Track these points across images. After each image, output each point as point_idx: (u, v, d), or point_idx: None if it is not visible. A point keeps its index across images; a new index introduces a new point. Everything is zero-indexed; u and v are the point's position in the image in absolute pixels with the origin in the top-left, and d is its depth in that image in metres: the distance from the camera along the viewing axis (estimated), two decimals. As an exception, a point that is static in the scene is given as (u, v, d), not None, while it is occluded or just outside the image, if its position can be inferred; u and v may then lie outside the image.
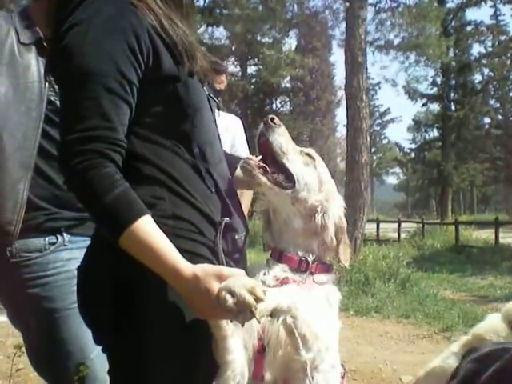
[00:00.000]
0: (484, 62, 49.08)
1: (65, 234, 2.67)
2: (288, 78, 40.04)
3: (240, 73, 40.46)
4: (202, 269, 1.67)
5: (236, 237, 1.93)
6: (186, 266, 1.66)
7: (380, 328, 8.95)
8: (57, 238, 2.66)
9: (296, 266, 2.08)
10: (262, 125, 2.13)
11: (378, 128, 73.16)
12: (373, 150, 69.88)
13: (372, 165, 66.01)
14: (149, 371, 1.76)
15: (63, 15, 1.77)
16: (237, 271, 1.71)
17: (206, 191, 1.88)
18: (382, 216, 43.40)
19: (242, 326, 1.68)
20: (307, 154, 2.21)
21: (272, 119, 2.11)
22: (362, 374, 6.43)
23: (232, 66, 40.57)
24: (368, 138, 14.33)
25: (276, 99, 44.28)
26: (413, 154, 56.27)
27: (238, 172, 2.19)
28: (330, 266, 2.18)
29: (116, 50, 1.71)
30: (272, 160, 2.12)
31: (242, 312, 1.59)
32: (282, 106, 45.17)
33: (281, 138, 2.12)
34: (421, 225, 26.55)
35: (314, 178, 2.17)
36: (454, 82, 48.09)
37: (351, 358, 7.04)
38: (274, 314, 1.70)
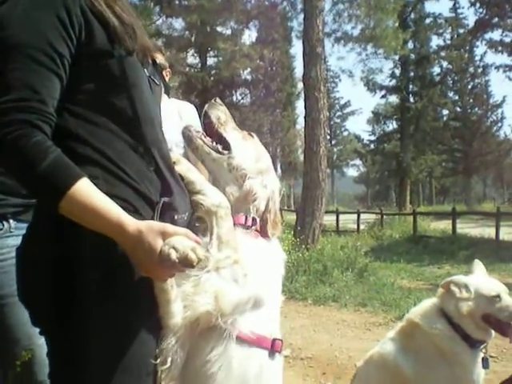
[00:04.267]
0: (442, 54, 49.57)
1: (11, 221, 2.65)
2: (248, 70, 39.97)
3: (199, 64, 40.19)
4: (146, 224, 1.69)
5: (176, 217, 1.90)
6: (130, 222, 1.68)
7: (337, 316, 9.02)
8: (3, 225, 2.63)
9: (243, 223, 2.17)
10: (206, 106, 2.29)
11: (339, 120, 73.57)
12: (333, 142, 70.41)
13: (332, 157, 66.45)
14: (88, 354, 1.74)
15: None
16: (181, 230, 1.74)
17: (143, 170, 1.86)
18: (342, 208, 43.70)
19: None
20: (247, 134, 2.34)
21: (215, 100, 2.31)
22: (318, 361, 6.48)
23: (191, 58, 40.36)
24: (326, 129, 14.39)
25: (236, 91, 44.15)
26: (372, 146, 56.61)
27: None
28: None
29: (46, 22, 1.68)
30: (213, 135, 2.26)
31: (184, 267, 1.68)
32: (242, 99, 45.04)
33: (220, 112, 2.28)
34: (380, 216, 26.75)
35: (251, 151, 2.29)
36: (412, 74, 48.43)
37: (308, 345, 7.11)
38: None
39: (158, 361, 1.85)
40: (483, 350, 3.78)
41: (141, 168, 1.85)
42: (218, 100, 2.32)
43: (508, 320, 3.72)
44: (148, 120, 1.90)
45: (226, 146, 2.25)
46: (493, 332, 3.80)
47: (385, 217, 26.84)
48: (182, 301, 1.90)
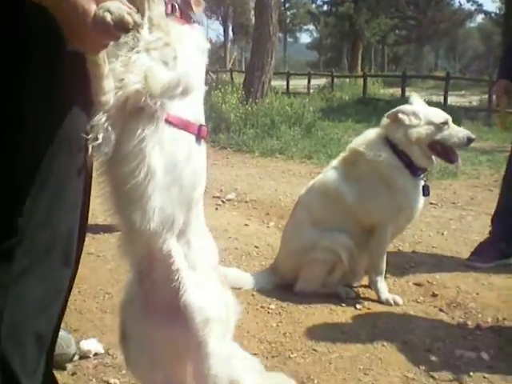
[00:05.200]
0: None
1: None
2: None
3: None
4: None
5: None
6: None
7: (283, 167, 9.10)
8: None
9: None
10: None
11: (293, -18, 71.40)
12: (286, 5, 68.62)
13: (285, 21, 65.01)
14: (18, 128, 1.68)
15: None
16: None
17: None
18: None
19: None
20: None
21: None
22: (263, 203, 6.56)
23: None
24: (278, -20, 13.89)
25: None
26: (326, 8, 55.36)
27: None
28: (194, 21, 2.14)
29: None
30: None
31: (119, 31, 1.62)
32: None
33: None
34: (330, 78, 26.55)
35: None
36: None
37: (253, 190, 7.18)
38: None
39: (90, 136, 1.80)
40: (424, 179, 3.84)
41: None
42: None
43: (456, 146, 3.77)
44: None
45: None
46: (434, 160, 3.84)
47: (335, 80, 26.65)
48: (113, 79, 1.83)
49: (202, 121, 2.05)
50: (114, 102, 1.82)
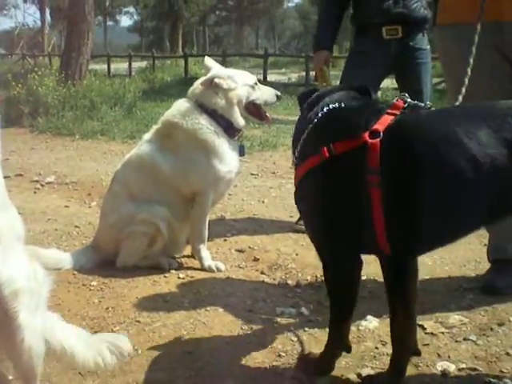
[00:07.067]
0: None
1: None
2: None
3: None
4: None
5: None
6: None
7: (105, 147, 8.93)
8: None
9: None
10: None
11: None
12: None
13: (105, 3, 63.50)
14: None
15: None
16: None
17: None
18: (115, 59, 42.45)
19: None
20: None
21: None
22: (84, 184, 6.43)
23: None
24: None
25: None
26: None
27: None
28: None
29: None
30: None
31: None
32: None
33: None
34: (152, 60, 26.35)
35: None
36: None
37: (73, 172, 7.05)
38: None
39: None
40: (240, 140, 3.98)
41: None
42: None
43: (268, 103, 3.98)
44: None
45: None
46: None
47: (157, 62, 26.44)
48: None
49: None
50: None
